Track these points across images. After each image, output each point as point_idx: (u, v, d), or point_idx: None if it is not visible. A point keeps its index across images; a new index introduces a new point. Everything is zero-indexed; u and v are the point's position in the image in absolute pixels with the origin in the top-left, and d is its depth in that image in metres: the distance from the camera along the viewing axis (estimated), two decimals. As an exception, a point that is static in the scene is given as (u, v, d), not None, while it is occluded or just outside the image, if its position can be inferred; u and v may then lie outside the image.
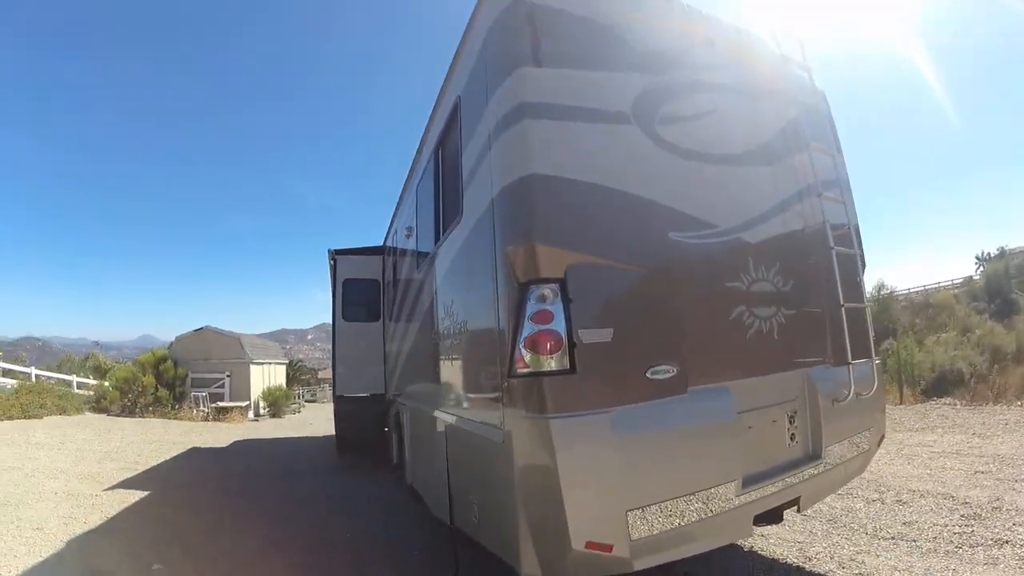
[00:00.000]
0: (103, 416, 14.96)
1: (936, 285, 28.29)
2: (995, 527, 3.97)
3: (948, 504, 4.59)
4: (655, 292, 2.48)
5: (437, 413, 3.80)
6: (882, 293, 17.66)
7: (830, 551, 3.93)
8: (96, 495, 6.20)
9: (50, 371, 20.42)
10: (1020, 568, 3.33)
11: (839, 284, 3.07)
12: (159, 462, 8.67)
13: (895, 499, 4.90)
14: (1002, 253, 28.87)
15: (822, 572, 3.60)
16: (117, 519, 5.32)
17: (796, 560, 3.85)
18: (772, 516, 2.83)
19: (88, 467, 7.76)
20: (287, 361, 30.68)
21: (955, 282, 28.35)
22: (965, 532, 3.95)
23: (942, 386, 11.17)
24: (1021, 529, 3.87)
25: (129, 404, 15.92)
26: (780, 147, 3.20)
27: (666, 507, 2.26)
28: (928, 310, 18.50)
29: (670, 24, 3.02)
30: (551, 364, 2.15)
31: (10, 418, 11.86)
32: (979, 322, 15.40)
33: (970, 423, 7.96)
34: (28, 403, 12.79)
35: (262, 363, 22.84)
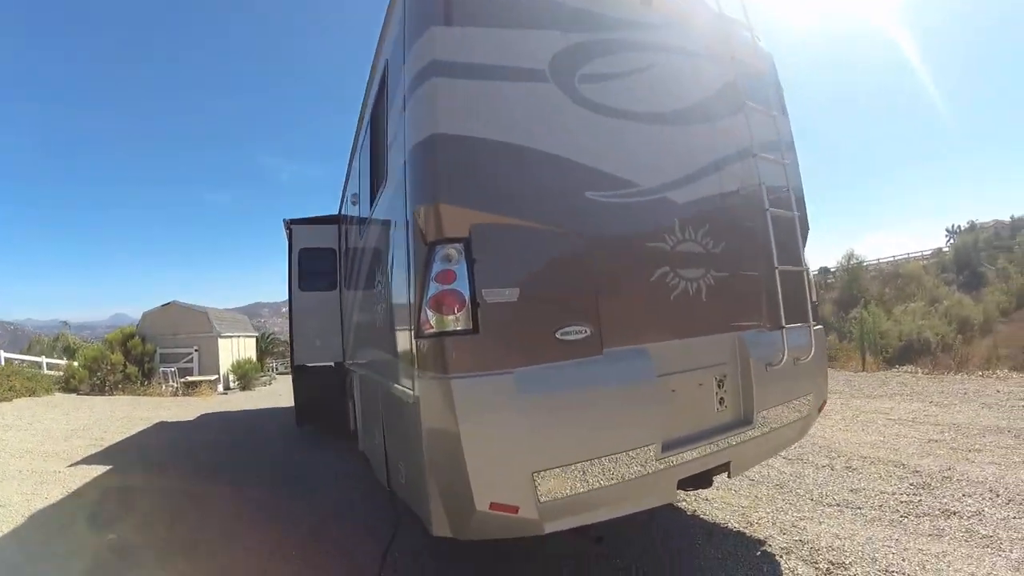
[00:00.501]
0: (72, 396, 14.32)
1: (906, 256, 28.39)
2: (943, 497, 3.75)
3: (898, 472, 4.38)
4: (568, 252, 2.34)
5: (374, 378, 3.67)
6: (852, 262, 17.58)
7: (773, 517, 3.72)
8: (59, 472, 6.01)
9: (20, 354, 19.70)
10: (965, 540, 3.09)
11: (774, 246, 2.90)
12: (124, 438, 8.34)
13: (845, 466, 4.70)
14: (972, 226, 28.98)
15: (761, 538, 3.39)
16: (77, 494, 5.19)
17: (737, 525, 3.65)
18: (700, 481, 2.70)
19: (54, 446, 7.47)
20: (257, 334, 29.70)
21: (924, 253, 28.47)
22: (912, 501, 3.73)
23: (909, 355, 11.17)
24: (970, 500, 3.64)
25: (98, 383, 15.30)
26: (717, 107, 3.03)
27: (576, 470, 2.16)
28: (897, 280, 18.48)
29: None
30: (454, 324, 2.07)
31: (-26, 403, 11.70)
32: (947, 293, 15.38)
33: (929, 392, 7.78)
34: (-5, 387, 12.19)
35: (231, 336, 22.16)
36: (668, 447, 2.43)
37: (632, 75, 2.74)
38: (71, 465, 6.37)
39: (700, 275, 2.71)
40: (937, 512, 3.50)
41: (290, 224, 7.62)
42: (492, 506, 2.05)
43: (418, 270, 2.23)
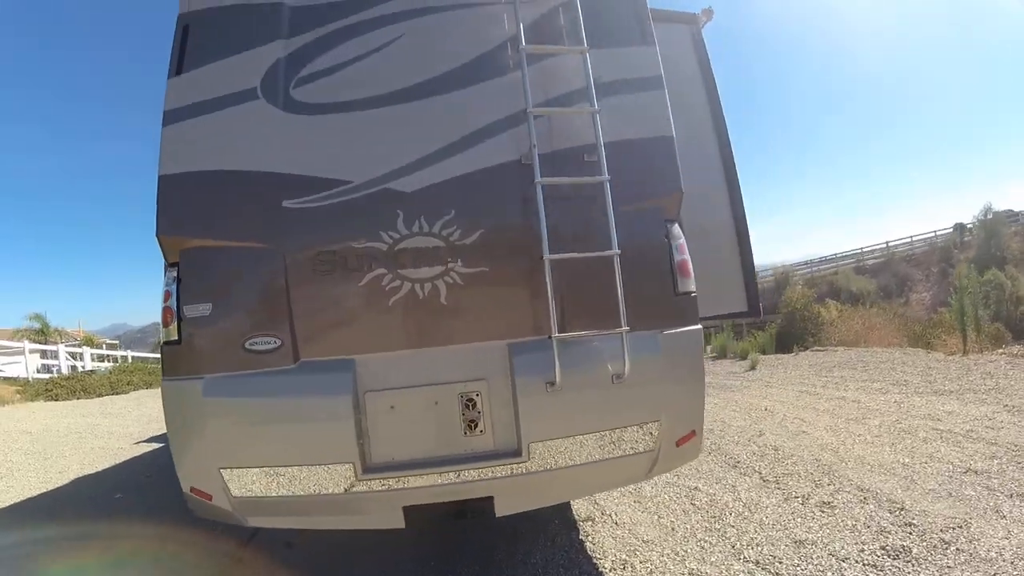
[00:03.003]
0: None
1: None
2: (913, 579, 2.38)
3: (885, 520, 2.92)
4: (262, 265, 2.15)
5: None
6: (989, 216, 13.62)
7: (661, 564, 2.70)
8: (121, 448, 6.47)
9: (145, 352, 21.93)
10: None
11: (544, 229, 2.11)
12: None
13: (825, 500, 3.30)
14: None
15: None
16: (121, 466, 5.69)
17: (608, 566, 2.74)
18: (460, 511, 2.27)
19: (136, 428, 7.79)
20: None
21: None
22: (863, 578, 2.43)
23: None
24: (946, 594, 2.24)
25: (210, 375, 16.72)
26: (484, 64, 2.33)
27: (264, 474, 2.09)
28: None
29: None
30: (169, 335, 2.16)
31: (100, 395, 12.13)
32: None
33: (1016, 388, 5.29)
34: (116, 381, 13.14)
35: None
36: (376, 469, 2.09)
37: (368, 57, 2.30)
38: (135, 443, 6.86)
39: (436, 274, 2.14)
40: (881, 608, 2.20)
41: None
42: (192, 490, 2.15)
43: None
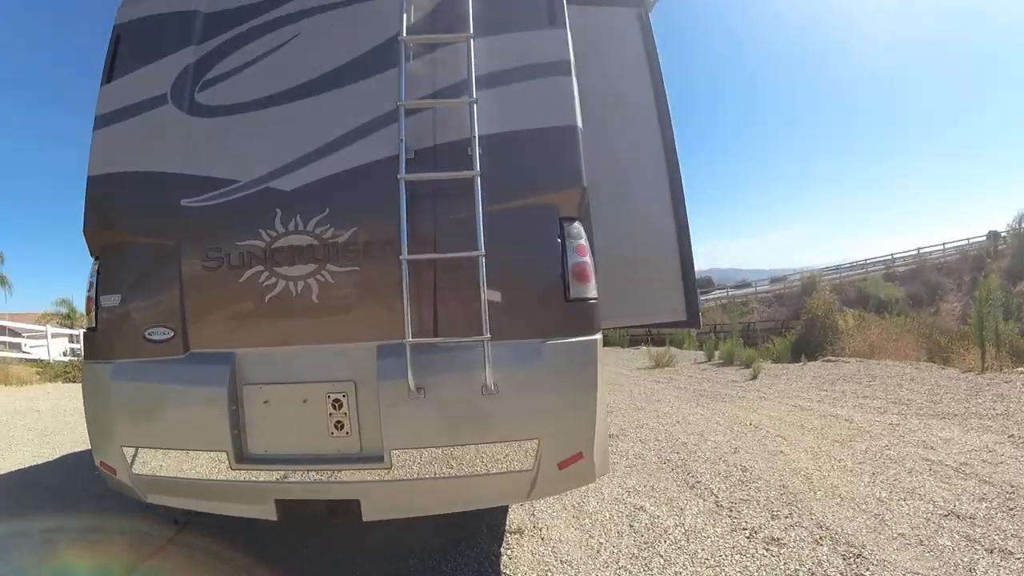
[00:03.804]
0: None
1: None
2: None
3: (835, 569, 2.44)
4: (162, 260, 2.24)
5: None
6: (1023, 224, 12.47)
7: None
8: None
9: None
10: None
11: (403, 227, 2.00)
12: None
13: (773, 536, 2.85)
14: None
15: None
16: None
17: None
18: (331, 510, 2.21)
19: None
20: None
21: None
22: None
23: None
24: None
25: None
26: (367, 61, 2.27)
27: (157, 455, 2.19)
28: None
29: None
30: (88, 323, 2.32)
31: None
32: None
33: None
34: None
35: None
36: (248, 460, 2.12)
37: (265, 58, 2.32)
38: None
39: (309, 272, 2.10)
40: None
41: None
42: (101, 464, 2.29)
43: None
